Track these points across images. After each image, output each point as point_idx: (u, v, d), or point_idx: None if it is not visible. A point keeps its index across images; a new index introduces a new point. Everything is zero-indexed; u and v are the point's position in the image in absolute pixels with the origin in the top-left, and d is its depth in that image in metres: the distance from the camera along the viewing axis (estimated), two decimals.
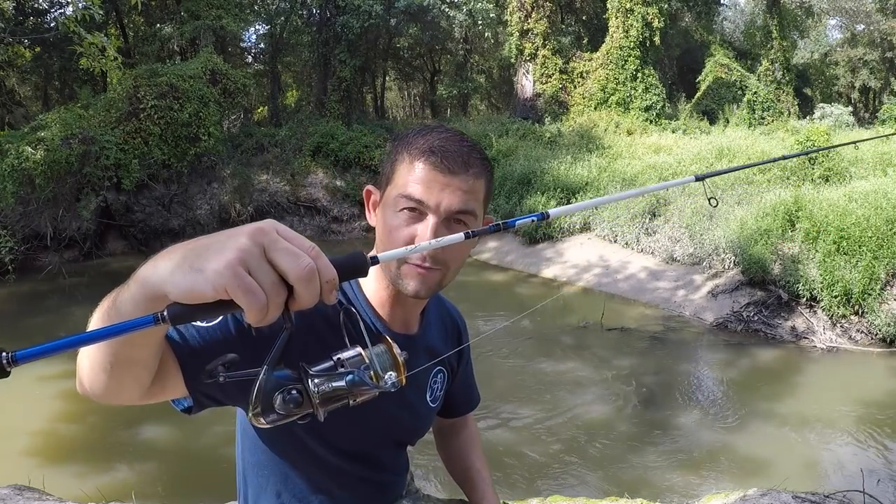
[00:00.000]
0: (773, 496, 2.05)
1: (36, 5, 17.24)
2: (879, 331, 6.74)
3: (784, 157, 1.70)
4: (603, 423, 5.38)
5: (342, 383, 0.71)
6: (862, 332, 6.91)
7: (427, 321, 1.17)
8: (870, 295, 6.85)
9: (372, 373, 0.73)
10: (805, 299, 7.27)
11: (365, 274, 0.65)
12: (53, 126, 11.24)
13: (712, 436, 5.15)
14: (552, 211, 0.90)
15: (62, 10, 16.06)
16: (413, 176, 0.96)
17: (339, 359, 0.73)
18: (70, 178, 11.23)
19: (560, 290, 9.59)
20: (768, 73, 19.44)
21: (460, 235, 0.76)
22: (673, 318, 7.98)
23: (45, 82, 19.25)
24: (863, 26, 26.26)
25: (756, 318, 7.42)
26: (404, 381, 0.78)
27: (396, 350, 0.79)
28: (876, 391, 5.87)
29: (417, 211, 0.96)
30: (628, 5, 17.90)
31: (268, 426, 0.69)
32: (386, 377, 0.74)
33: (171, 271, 0.58)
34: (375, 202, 1.05)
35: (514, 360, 6.70)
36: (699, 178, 1.27)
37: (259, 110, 21.77)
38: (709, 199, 1.28)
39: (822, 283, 7.07)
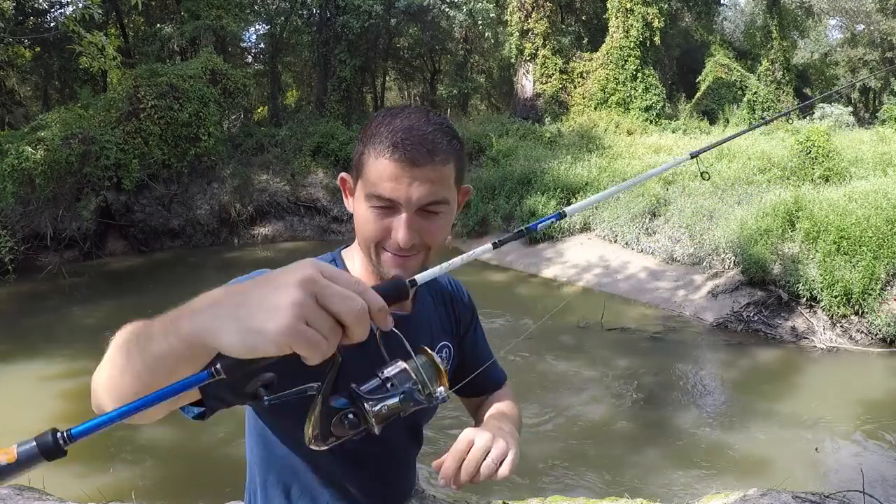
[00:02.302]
0: (773, 496, 2.05)
1: (36, 5, 17.22)
2: (879, 331, 6.74)
3: (763, 123, 1.80)
4: (603, 423, 5.37)
5: (395, 401, 0.73)
6: (862, 332, 6.91)
7: (420, 297, 1.18)
8: (870, 295, 6.85)
9: (420, 387, 0.75)
10: (805, 299, 7.27)
11: (408, 297, 0.69)
12: (53, 126, 11.24)
13: (712, 436, 5.15)
14: (568, 209, 0.92)
15: (62, 10, 16.06)
16: (379, 173, 0.96)
17: (385, 377, 0.74)
18: (70, 178, 11.23)
19: (560, 289, 9.59)
20: (768, 73, 19.44)
21: (488, 246, 0.84)
22: (673, 318, 7.98)
23: (45, 82, 19.23)
24: (863, 26, 26.25)
25: (756, 318, 7.42)
26: (450, 394, 0.79)
27: (437, 359, 0.80)
28: (876, 391, 5.87)
29: (389, 206, 0.97)
30: (628, 5, 17.89)
31: (326, 447, 0.72)
32: (437, 392, 0.75)
33: (221, 331, 0.58)
34: (350, 189, 1.06)
35: (514, 359, 6.70)
36: (693, 155, 1.44)
37: (259, 110, 21.77)
38: (701, 174, 1.39)
39: (822, 283, 7.07)
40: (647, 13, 17.89)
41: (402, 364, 0.76)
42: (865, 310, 6.88)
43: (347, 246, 1.14)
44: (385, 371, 0.75)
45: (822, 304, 7.09)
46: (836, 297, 6.95)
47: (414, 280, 0.70)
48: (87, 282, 10.75)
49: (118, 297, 9.80)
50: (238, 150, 14.52)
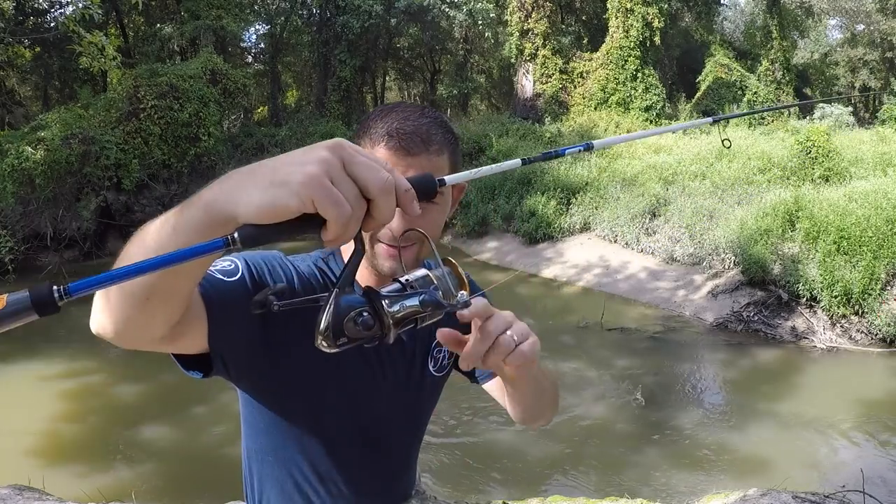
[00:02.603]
0: (773, 496, 2.05)
1: (36, 5, 17.23)
2: (879, 331, 6.74)
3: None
4: (603, 423, 5.38)
5: (415, 302, 0.69)
6: (862, 332, 6.91)
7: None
8: (870, 295, 6.85)
9: (441, 293, 0.71)
10: (805, 299, 7.27)
11: (435, 195, 0.66)
12: (53, 126, 11.24)
13: (712, 436, 5.15)
14: (597, 142, 0.93)
15: (62, 10, 16.06)
16: None
17: (406, 280, 0.71)
18: (70, 178, 11.24)
19: (560, 289, 9.59)
20: (768, 73, 19.44)
21: (517, 161, 0.77)
22: (673, 318, 7.98)
23: (45, 82, 19.24)
24: (863, 26, 26.25)
25: (756, 318, 7.42)
26: (470, 298, 0.75)
27: (461, 270, 0.77)
28: (876, 391, 5.87)
29: None
30: (628, 5, 17.89)
31: (336, 350, 0.67)
32: (459, 295, 0.72)
33: (244, 190, 0.56)
34: None
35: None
36: (716, 121, 1.37)
37: (259, 110, 21.77)
38: (722, 141, 1.39)
39: (822, 283, 7.07)
40: (647, 13, 17.89)
41: (424, 270, 0.73)
42: (865, 310, 6.88)
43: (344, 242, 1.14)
44: (408, 276, 0.73)
45: (822, 304, 7.09)
46: (836, 297, 6.95)
47: (442, 179, 0.66)
48: None
49: None
50: (238, 150, 14.52)
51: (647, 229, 9.99)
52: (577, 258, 10.36)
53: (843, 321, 7.00)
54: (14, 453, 4.72)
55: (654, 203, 10.23)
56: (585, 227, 11.08)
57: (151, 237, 0.62)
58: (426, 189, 0.64)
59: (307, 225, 0.55)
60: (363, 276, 1.06)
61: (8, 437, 5.03)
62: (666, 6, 18.58)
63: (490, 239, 11.93)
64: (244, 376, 1.01)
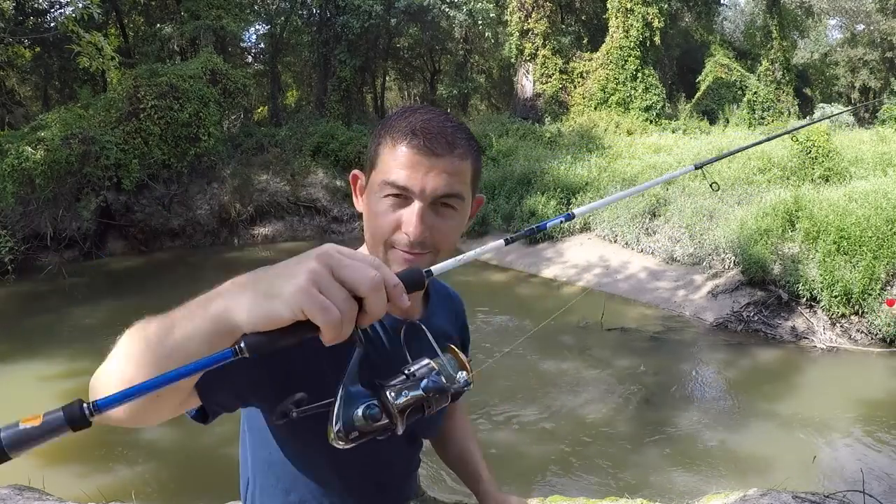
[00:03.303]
0: (773, 496, 2.05)
1: (36, 5, 17.24)
2: (879, 331, 6.73)
3: (762, 141, 1.76)
4: (603, 423, 5.37)
5: (419, 391, 0.73)
6: (862, 332, 6.90)
7: (431, 304, 1.15)
8: (870, 295, 6.85)
9: (444, 377, 0.75)
10: (805, 299, 7.27)
11: (423, 286, 0.69)
12: (53, 126, 11.24)
13: (712, 436, 5.15)
14: (577, 210, 0.94)
15: (62, 10, 16.06)
16: (396, 160, 0.93)
17: (410, 372, 0.75)
18: (70, 178, 11.24)
19: (560, 289, 9.59)
20: (768, 73, 19.44)
21: (500, 243, 0.82)
22: (673, 318, 7.98)
23: (45, 82, 19.24)
24: (863, 26, 26.25)
25: (756, 318, 7.42)
26: (472, 378, 0.79)
27: (461, 354, 0.81)
28: (876, 391, 5.87)
29: (402, 196, 0.93)
30: (628, 5, 17.90)
31: (350, 445, 0.70)
32: (458, 377, 0.76)
33: (243, 303, 0.60)
34: (361, 187, 1.03)
35: (513, 359, 6.70)
36: (698, 167, 1.35)
37: (259, 110, 21.77)
38: (710, 185, 1.37)
39: (822, 283, 7.07)
40: (647, 13, 17.89)
41: (427, 360, 0.76)
42: (865, 310, 6.88)
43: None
44: (410, 367, 0.76)
45: (822, 304, 7.09)
46: (835, 297, 6.95)
47: (430, 271, 0.69)
48: (87, 282, 10.75)
49: (118, 297, 9.80)
50: (238, 150, 14.52)
51: (647, 229, 9.99)
52: (577, 258, 10.36)
53: (843, 321, 7.00)
54: None
55: (654, 203, 10.24)
56: (585, 227, 11.09)
57: (160, 341, 0.66)
58: (414, 282, 0.67)
59: (305, 329, 0.59)
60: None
61: None
62: (666, 6, 18.59)
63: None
64: (253, 404, 0.99)
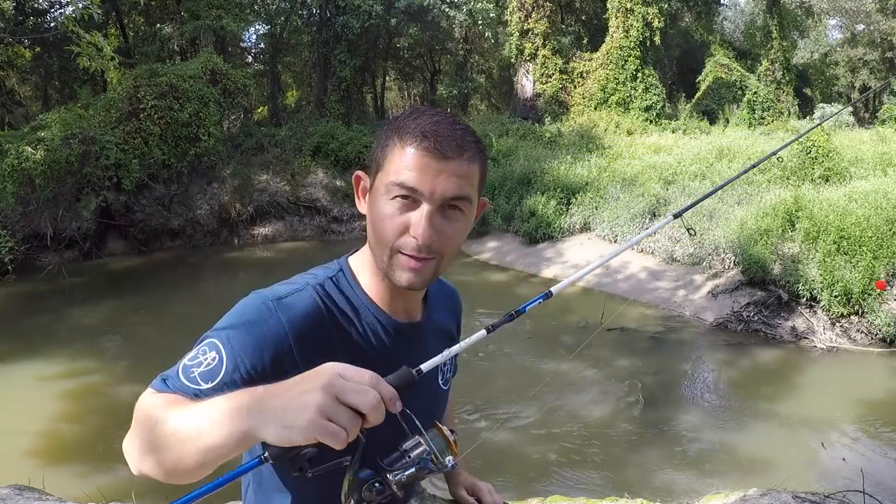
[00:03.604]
0: (773, 496, 2.05)
1: (36, 5, 17.24)
2: (879, 331, 6.73)
3: (744, 171, 1.76)
4: (603, 423, 5.38)
5: (412, 470, 0.86)
6: (862, 332, 6.91)
7: (431, 303, 1.14)
8: (870, 295, 6.85)
9: (433, 457, 0.87)
10: (805, 299, 7.27)
11: (414, 385, 0.81)
12: (53, 126, 11.24)
13: (712, 436, 5.15)
14: (555, 288, 1.02)
15: (62, 10, 16.06)
16: (405, 162, 0.92)
17: (404, 450, 0.87)
18: (70, 178, 11.23)
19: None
20: (768, 73, 19.44)
21: (483, 333, 0.93)
22: (673, 318, 7.98)
23: (45, 82, 19.24)
24: (863, 26, 26.25)
25: (756, 318, 7.42)
26: (458, 460, 0.90)
27: (446, 431, 0.91)
28: (876, 391, 5.87)
29: (411, 199, 0.93)
30: (628, 5, 17.89)
31: None
32: (446, 461, 0.88)
33: (264, 427, 0.73)
34: (365, 189, 1.01)
35: (514, 359, 6.70)
36: (676, 216, 1.42)
37: (259, 110, 21.76)
38: (688, 230, 1.38)
39: (822, 283, 7.07)
40: (647, 13, 17.89)
41: (417, 439, 0.88)
42: (865, 310, 6.88)
43: (353, 252, 1.09)
44: (404, 445, 0.88)
45: (822, 304, 7.09)
46: (835, 297, 6.95)
47: (420, 370, 0.82)
48: (87, 282, 10.75)
49: (118, 297, 9.80)
50: (238, 150, 14.52)
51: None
52: (577, 258, 10.36)
53: (842, 321, 7.00)
54: (14, 453, 4.73)
55: (654, 203, 10.24)
56: (585, 227, 11.09)
57: (192, 439, 0.80)
58: (408, 384, 0.80)
59: (319, 444, 0.72)
60: (377, 289, 1.04)
61: (8, 437, 5.03)
62: (666, 6, 18.59)
63: (490, 239, 11.93)
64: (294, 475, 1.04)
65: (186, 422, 0.81)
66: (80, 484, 3.98)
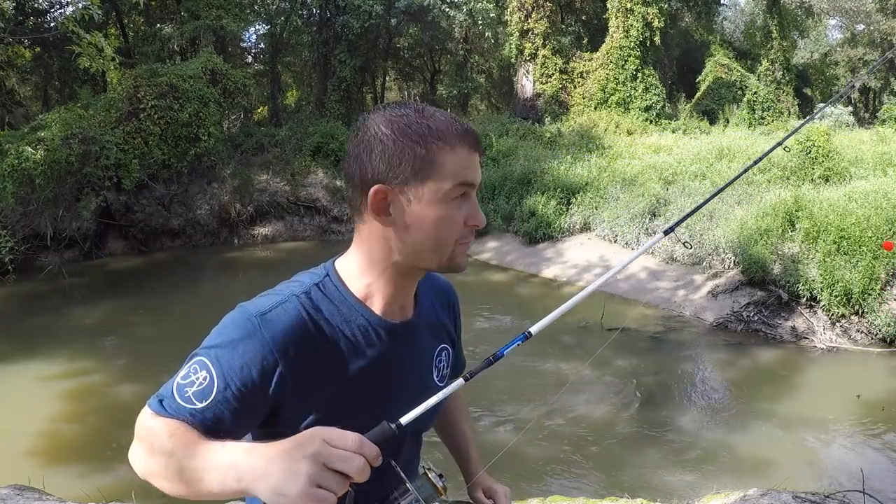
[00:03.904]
0: (773, 496, 2.05)
1: (36, 5, 17.24)
2: (879, 331, 6.74)
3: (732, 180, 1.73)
4: (603, 423, 5.38)
5: None
6: (862, 332, 6.91)
7: (421, 301, 1.15)
8: (870, 295, 6.85)
9: (422, 502, 0.93)
10: (805, 299, 7.27)
11: (395, 438, 0.86)
12: (53, 126, 11.24)
13: (712, 436, 5.15)
14: (534, 328, 1.06)
15: (62, 10, 16.07)
16: (461, 161, 0.98)
17: (394, 498, 0.93)
18: (70, 178, 11.23)
19: (560, 290, 9.58)
20: (768, 73, 19.44)
21: (460, 381, 0.97)
22: (673, 318, 7.98)
23: (45, 82, 19.24)
24: (863, 26, 26.24)
25: (756, 318, 7.42)
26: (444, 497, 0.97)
27: (432, 476, 0.99)
28: (876, 391, 5.87)
29: (465, 194, 1.00)
30: (628, 5, 17.89)
31: None
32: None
33: (259, 489, 0.80)
34: (398, 202, 0.97)
35: (514, 359, 6.70)
36: (667, 233, 1.45)
37: (259, 110, 21.76)
38: (683, 244, 1.38)
39: (822, 283, 7.07)
40: (647, 13, 17.89)
41: (407, 486, 0.93)
42: (865, 310, 6.88)
43: (339, 256, 1.08)
44: (395, 493, 0.93)
45: (822, 304, 7.09)
46: (835, 297, 6.95)
47: (400, 423, 0.86)
48: (87, 282, 10.75)
49: (118, 297, 9.80)
50: (238, 150, 14.51)
51: (647, 229, 9.99)
52: (577, 258, 10.36)
53: (843, 321, 7.00)
54: (14, 453, 4.73)
55: (654, 203, 10.23)
56: (585, 227, 11.09)
57: (196, 481, 0.86)
58: (387, 439, 0.85)
59: None
60: (368, 291, 1.04)
61: (8, 437, 5.03)
62: (666, 6, 18.58)
63: (490, 239, 11.93)
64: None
65: (191, 464, 0.86)
66: (80, 484, 3.98)
